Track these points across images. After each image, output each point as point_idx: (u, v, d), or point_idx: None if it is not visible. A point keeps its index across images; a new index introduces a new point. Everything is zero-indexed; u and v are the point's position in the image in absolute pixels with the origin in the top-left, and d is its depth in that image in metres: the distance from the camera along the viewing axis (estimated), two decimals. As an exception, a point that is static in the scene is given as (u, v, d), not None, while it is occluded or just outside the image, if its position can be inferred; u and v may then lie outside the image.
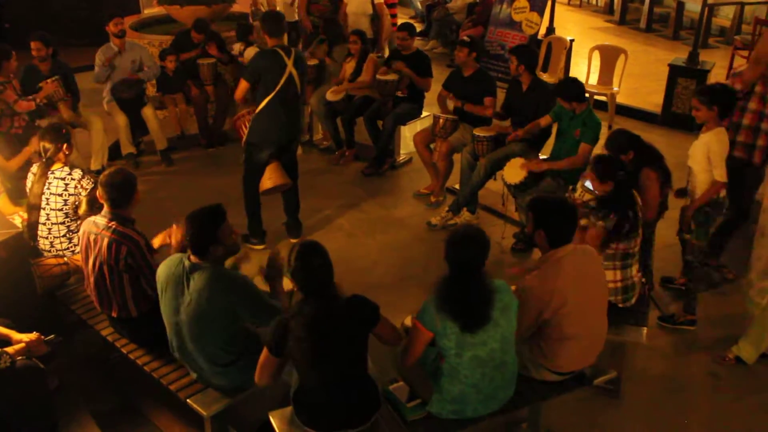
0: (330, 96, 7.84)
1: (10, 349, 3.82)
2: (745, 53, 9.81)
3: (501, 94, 7.00)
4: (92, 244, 4.22)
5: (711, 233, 5.34)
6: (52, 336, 4.08)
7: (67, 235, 5.03)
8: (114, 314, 4.30)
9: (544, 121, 6.21)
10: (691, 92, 8.88)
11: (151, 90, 8.54)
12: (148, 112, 7.80)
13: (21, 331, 4.05)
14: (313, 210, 7.03)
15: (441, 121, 6.86)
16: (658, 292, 5.66)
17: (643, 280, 4.72)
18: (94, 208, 4.67)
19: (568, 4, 17.13)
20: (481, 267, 3.50)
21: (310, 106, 8.29)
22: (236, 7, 10.13)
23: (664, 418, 4.52)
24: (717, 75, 9.50)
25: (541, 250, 3.92)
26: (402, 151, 8.19)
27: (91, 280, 4.29)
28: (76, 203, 4.87)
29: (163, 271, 3.87)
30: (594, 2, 16.93)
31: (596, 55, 9.58)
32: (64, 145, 4.98)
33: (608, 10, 16.16)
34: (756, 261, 4.71)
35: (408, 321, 4.17)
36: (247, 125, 6.11)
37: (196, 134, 8.48)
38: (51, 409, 4.04)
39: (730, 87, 5.31)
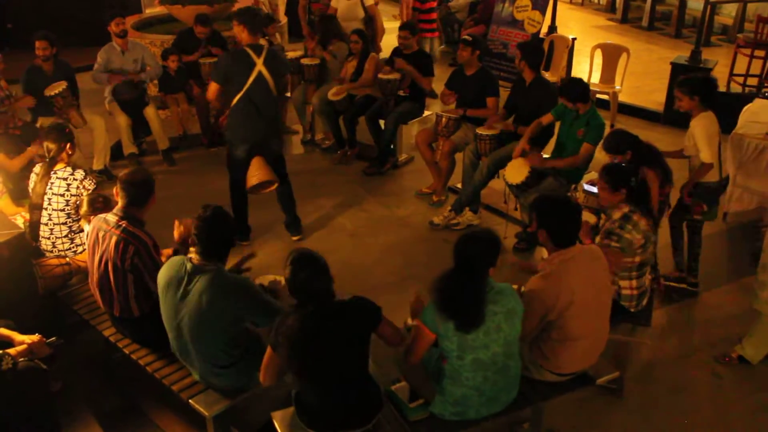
0: (332, 95, 7.83)
1: (12, 351, 3.81)
2: (748, 51, 9.78)
3: (503, 93, 6.98)
4: (100, 240, 4.21)
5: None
6: (54, 338, 4.07)
7: (69, 236, 5.03)
8: (116, 313, 4.30)
9: (546, 119, 6.19)
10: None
11: (153, 90, 8.54)
12: (150, 112, 7.79)
13: (23, 331, 4.04)
14: (315, 209, 7.03)
15: (443, 120, 6.85)
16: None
17: (652, 276, 4.72)
18: (95, 208, 4.67)
19: (570, 2, 17.11)
20: (486, 269, 3.49)
21: (312, 106, 8.28)
22: (237, 6, 10.11)
23: (666, 417, 4.51)
24: (720, 73, 9.49)
25: (546, 249, 3.91)
26: (404, 151, 8.18)
27: (96, 276, 4.29)
28: (78, 203, 4.87)
29: (164, 272, 3.87)
30: (596, 0, 16.91)
31: (598, 54, 9.57)
32: (68, 145, 4.99)
33: (610, 8, 16.14)
34: None
35: (410, 321, 4.16)
36: None
37: (198, 134, 8.48)
38: (53, 410, 4.04)
39: (709, 76, 5.56)
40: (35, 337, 3.98)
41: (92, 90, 7.91)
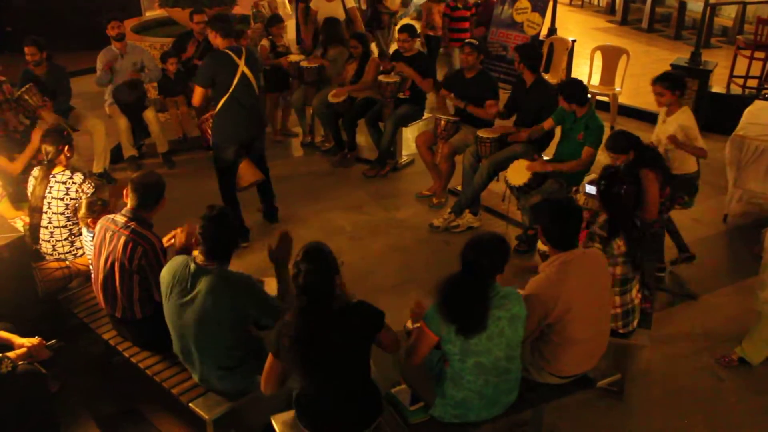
0: (332, 98, 7.84)
1: (11, 354, 3.81)
2: (748, 53, 9.79)
3: (503, 95, 6.98)
4: (108, 240, 4.21)
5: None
6: (54, 341, 4.07)
7: (69, 239, 5.03)
8: (118, 314, 4.29)
9: (547, 124, 6.21)
10: (694, 92, 8.88)
11: (152, 93, 8.54)
12: (149, 114, 7.79)
13: (23, 334, 4.04)
14: (314, 212, 7.03)
15: (443, 122, 6.86)
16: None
17: (646, 293, 4.60)
18: (93, 211, 4.66)
19: (570, 4, 17.12)
20: (494, 275, 3.49)
21: (312, 108, 8.28)
22: (237, 9, 10.13)
23: (667, 419, 4.50)
24: (719, 75, 9.50)
25: (550, 252, 3.91)
26: (404, 153, 8.18)
27: (100, 277, 4.28)
28: (76, 206, 4.87)
29: (167, 273, 3.86)
30: (595, 2, 16.92)
31: (598, 56, 9.57)
32: (66, 147, 4.98)
33: (610, 10, 16.15)
34: None
35: (410, 324, 4.16)
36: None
37: (198, 136, 8.43)
38: (52, 414, 4.04)
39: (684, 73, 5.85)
40: (35, 340, 3.98)
41: (92, 93, 7.92)
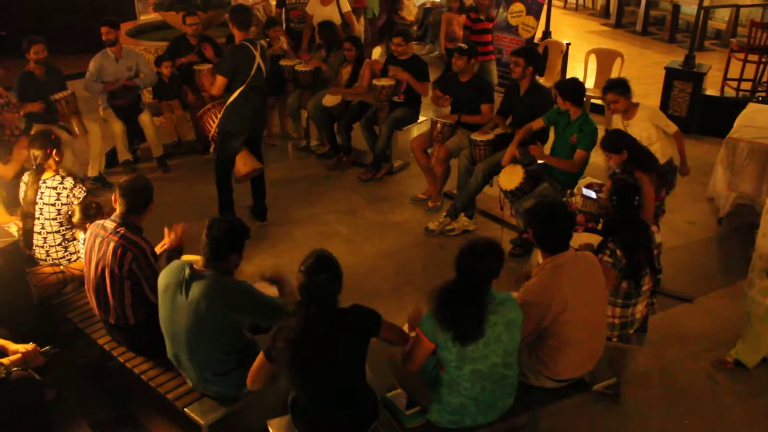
0: (327, 101, 7.84)
1: (5, 360, 3.79)
2: (741, 55, 9.81)
3: (497, 98, 6.98)
4: (97, 247, 4.19)
5: None
6: (49, 347, 4.05)
7: (63, 244, 5.02)
8: (111, 320, 4.28)
9: (536, 124, 6.18)
10: (688, 95, 8.91)
11: (147, 96, 8.52)
12: (144, 118, 7.78)
13: (17, 340, 4.02)
14: (310, 216, 7.02)
15: (438, 125, 6.85)
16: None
17: (653, 302, 4.62)
18: (88, 215, 4.65)
19: (564, 7, 17.16)
20: (489, 281, 3.48)
21: (307, 112, 8.27)
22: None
23: (663, 423, 4.51)
24: (713, 77, 9.52)
25: (542, 255, 3.91)
26: (399, 157, 8.18)
27: (92, 283, 4.26)
28: (70, 212, 4.85)
29: (163, 278, 3.85)
30: (590, 6, 16.96)
31: (593, 59, 9.59)
32: (54, 151, 4.95)
33: (604, 13, 16.19)
34: (757, 260, 4.71)
35: (406, 328, 4.15)
36: (215, 118, 6.52)
37: (193, 140, 8.46)
38: (47, 421, 4.01)
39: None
40: (29, 346, 3.96)
41: (87, 97, 7.89)
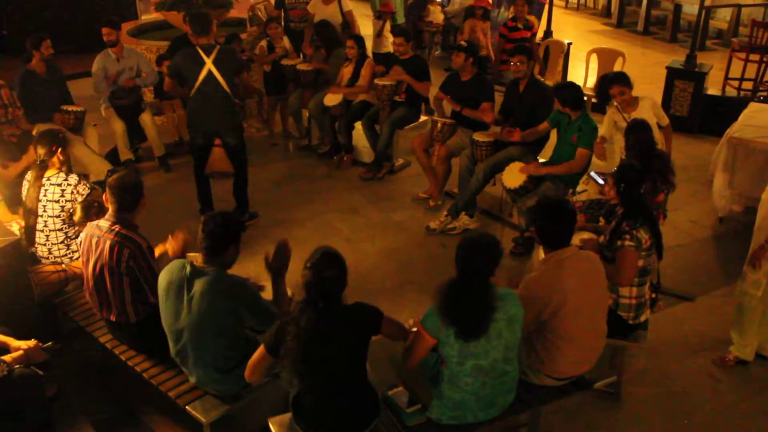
0: (328, 101, 7.84)
1: (7, 357, 3.80)
2: (743, 55, 9.81)
3: (499, 98, 6.99)
4: (94, 247, 4.21)
5: None
6: (50, 343, 4.05)
7: (65, 242, 5.02)
8: (113, 318, 4.29)
9: (542, 127, 6.22)
10: (689, 95, 8.91)
11: (148, 96, 8.53)
12: (146, 118, 7.79)
13: (19, 338, 4.03)
14: (311, 215, 7.03)
15: (439, 125, 6.85)
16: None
17: (654, 295, 4.64)
18: (90, 214, 4.65)
19: (566, 7, 17.16)
20: (489, 276, 3.48)
21: (309, 111, 8.28)
22: (233, 13, 10.13)
23: (664, 421, 4.51)
24: (715, 77, 9.52)
25: (544, 251, 3.91)
26: (400, 156, 8.18)
27: (91, 283, 4.28)
28: (71, 210, 4.85)
29: (164, 276, 3.86)
30: (591, 5, 16.96)
31: (594, 59, 9.58)
32: (59, 150, 4.97)
33: (606, 13, 16.19)
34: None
35: (411, 321, 4.16)
36: None
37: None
38: (49, 417, 4.02)
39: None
40: (31, 343, 3.96)
41: (87, 96, 7.91)
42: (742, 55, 9.82)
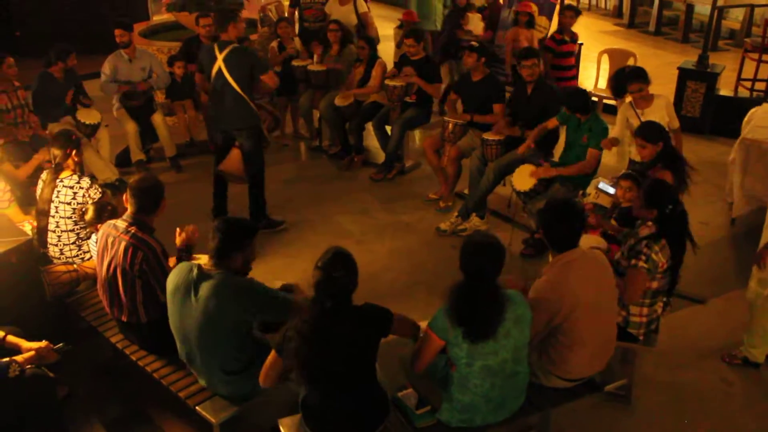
0: (339, 101, 7.85)
1: (19, 358, 3.82)
2: (755, 55, 9.75)
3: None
4: (109, 246, 4.23)
5: None
6: (62, 344, 4.07)
7: (77, 243, 5.05)
8: (124, 318, 4.31)
9: (551, 123, 6.20)
10: (701, 95, 8.86)
11: (160, 97, 8.56)
12: (157, 119, 7.82)
13: (30, 338, 4.05)
14: (321, 216, 7.03)
15: (450, 126, 6.85)
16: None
17: (665, 299, 4.59)
18: (102, 217, 4.67)
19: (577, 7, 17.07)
20: (495, 276, 3.48)
21: (319, 112, 8.29)
22: (245, 13, 10.14)
23: (675, 424, 4.49)
24: (727, 78, 9.46)
25: (551, 254, 3.91)
26: (411, 157, 8.18)
27: (104, 282, 4.30)
28: (84, 210, 4.88)
29: (172, 279, 3.87)
30: (603, 5, 16.88)
31: (605, 59, 9.55)
32: (73, 152, 5.00)
33: (617, 13, 16.10)
34: (763, 250, 4.71)
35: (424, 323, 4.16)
36: None
37: (205, 140, 8.48)
38: (60, 418, 4.04)
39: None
40: (42, 344, 3.98)
41: (100, 97, 7.94)
42: (755, 56, 9.76)
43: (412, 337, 3.75)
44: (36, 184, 5.18)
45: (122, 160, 7.89)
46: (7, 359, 3.75)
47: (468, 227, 6.65)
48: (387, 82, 7.55)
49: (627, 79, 5.93)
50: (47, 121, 7.02)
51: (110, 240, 4.23)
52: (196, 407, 3.93)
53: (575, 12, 8.66)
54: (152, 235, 4.24)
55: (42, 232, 5.05)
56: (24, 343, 4.00)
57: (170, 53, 8.58)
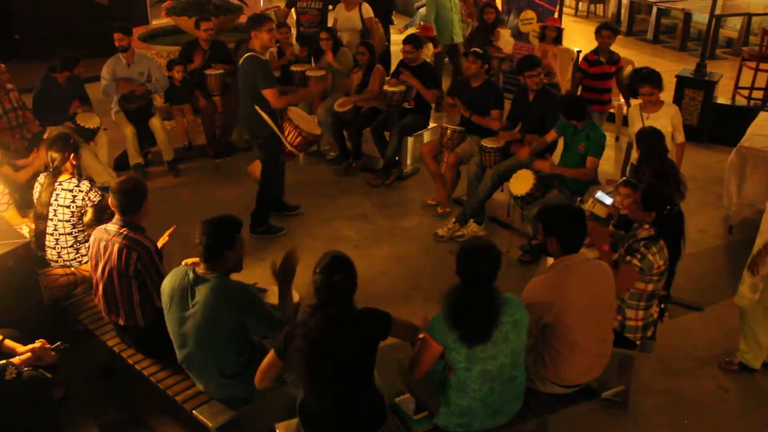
0: (337, 107, 7.86)
1: (16, 360, 3.81)
2: (753, 64, 9.79)
3: (508, 105, 6.99)
4: (102, 250, 4.23)
5: None
6: (59, 343, 4.05)
7: (75, 246, 5.04)
8: (121, 322, 4.31)
9: (550, 137, 6.24)
10: (699, 103, 8.88)
11: (158, 100, 8.57)
12: (155, 122, 7.82)
13: (27, 340, 4.03)
14: (319, 221, 7.03)
15: (448, 132, 6.87)
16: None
17: (662, 306, 4.64)
18: (102, 218, 4.67)
19: (575, 15, 17.14)
20: (491, 280, 3.49)
21: (317, 117, 8.29)
22: (243, 19, 10.15)
23: (672, 431, 4.49)
24: (725, 86, 9.49)
25: (554, 258, 3.91)
26: (409, 162, 8.19)
27: (100, 287, 4.30)
28: (83, 211, 4.87)
29: (168, 283, 3.88)
30: (601, 13, 16.93)
31: (603, 67, 9.54)
32: (72, 155, 5.00)
33: (615, 21, 16.13)
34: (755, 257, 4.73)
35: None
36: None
37: (204, 145, 8.49)
38: (57, 420, 4.03)
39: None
40: (37, 344, 3.96)
41: (98, 100, 7.95)
42: (752, 64, 9.79)
43: (412, 341, 3.74)
44: (34, 187, 5.17)
45: (120, 164, 7.88)
46: (3, 361, 3.74)
47: (465, 233, 6.65)
48: (386, 87, 7.56)
49: (640, 80, 5.91)
50: (46, 124, 7.02)
51: (102, 244, 4.24)
52: (193, 411, 3.93)
53: (613, 31, 7.82)
54: (144, 234, 4.25)
55: (40, 235, 5.05)
56: (20, 348, 3.96)
57: (170, 57, 8.58)
